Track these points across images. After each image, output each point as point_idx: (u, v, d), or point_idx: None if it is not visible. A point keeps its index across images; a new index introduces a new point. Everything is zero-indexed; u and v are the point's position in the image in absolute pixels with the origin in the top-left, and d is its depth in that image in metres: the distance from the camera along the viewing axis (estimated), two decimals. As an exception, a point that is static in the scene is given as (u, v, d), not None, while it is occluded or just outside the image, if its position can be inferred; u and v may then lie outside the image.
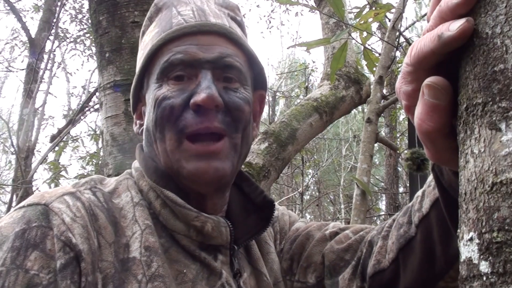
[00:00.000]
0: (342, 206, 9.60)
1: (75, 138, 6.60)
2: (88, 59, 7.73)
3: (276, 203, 0.82)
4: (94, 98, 5.36)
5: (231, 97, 0.71)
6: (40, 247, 0.57)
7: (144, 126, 0.76)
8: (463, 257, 0.36)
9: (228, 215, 0.78)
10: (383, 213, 8.07)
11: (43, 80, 6.50)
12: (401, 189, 9.15)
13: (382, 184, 9.71)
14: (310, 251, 0.82)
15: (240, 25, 0.81)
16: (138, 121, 0.81)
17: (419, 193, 0.69)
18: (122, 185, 0.74)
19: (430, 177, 0.66)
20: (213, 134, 0.69)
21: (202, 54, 0.71)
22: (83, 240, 0.60)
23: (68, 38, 7.36)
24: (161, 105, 0.70)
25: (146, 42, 0.77)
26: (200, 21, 0.74)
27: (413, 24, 5.95)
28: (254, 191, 0.81)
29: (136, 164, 0.78)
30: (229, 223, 0.73)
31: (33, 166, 5.42)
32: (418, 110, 0.41)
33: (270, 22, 8.91)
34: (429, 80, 0.40)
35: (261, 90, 0.83)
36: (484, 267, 0.33)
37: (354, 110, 3.66)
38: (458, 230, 0.37)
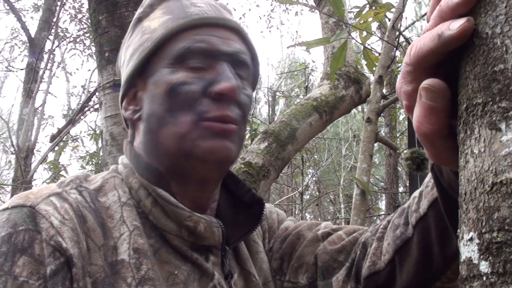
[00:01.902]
0: (342, 206, 9.59)
1: (75, 137, 6.60)
2: (87, 59, 7.74)
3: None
4: (94, 98, 5.36)
5: (242, 93, 0.72)
6: (29, 252, 0.54)
7: (146, 111, 0.72)
8: (463, 257, 0.36)
9: (217, 215, 0.77)
10: (383, 213, 8.07)
11: (43, 80, 6.51)
12: (401, 189, 9.15)
13: (382, 184, 9.70)
14: (302, 251, 0.80)
15: None
16: (131, 107, 0.75)
17: (416, 193, 0.68)
18: (109, 183, 0.71)
19: (428, 178, 0.66)
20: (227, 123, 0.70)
21: (221, 46, 0.71)
22: (73, 244, 0.58)
23: (67, 37, 7.37)
24: (177, 90, 0.68)
25: (154, 27, 0.74)
26: (217, 15, 0.74)
27: (413, 23, 5.95)
28: (241, 189, 0.80)
29: (124, 160, 0.75)
30: (221, 223, 0.72)
31: (33, 166, 5.42)
32: (416, 112, 0.41)
33: (269, 21, 8.91)
34: (426, 82, 0.40)
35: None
36: (484, 267, 0.33)
37: (354, 109, 3.66)
38: (458, 230, 0.37)
